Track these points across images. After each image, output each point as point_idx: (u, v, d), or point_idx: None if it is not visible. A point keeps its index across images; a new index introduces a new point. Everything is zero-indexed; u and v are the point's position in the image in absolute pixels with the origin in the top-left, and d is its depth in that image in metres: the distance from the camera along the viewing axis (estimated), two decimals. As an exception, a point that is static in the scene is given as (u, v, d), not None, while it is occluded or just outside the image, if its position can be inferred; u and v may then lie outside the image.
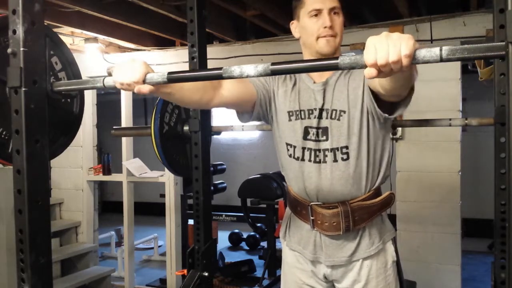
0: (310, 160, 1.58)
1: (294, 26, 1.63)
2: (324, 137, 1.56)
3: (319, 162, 1.56)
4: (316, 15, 1.53)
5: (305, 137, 1.59)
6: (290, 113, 1.62)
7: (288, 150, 1.63)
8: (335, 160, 1.55)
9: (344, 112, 1.53)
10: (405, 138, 3.45)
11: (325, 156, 1.56)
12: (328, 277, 1.64)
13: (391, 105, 1.43)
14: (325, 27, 1.51)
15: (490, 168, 2.01)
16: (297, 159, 1.60)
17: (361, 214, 1.57)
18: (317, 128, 1.57)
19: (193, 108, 2.20)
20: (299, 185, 1.62)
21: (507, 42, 0.90)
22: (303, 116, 1.59)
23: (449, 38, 3.27)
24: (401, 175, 3.47)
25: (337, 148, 1.54)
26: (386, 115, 1.45)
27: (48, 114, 1.32)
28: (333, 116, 1.55)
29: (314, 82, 1.59)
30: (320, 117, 1.56)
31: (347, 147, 1.54)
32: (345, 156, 1.54)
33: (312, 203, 1.60)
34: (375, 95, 1.45)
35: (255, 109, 1.63)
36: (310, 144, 1.58)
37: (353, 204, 1.56)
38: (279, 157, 1.70)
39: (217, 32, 3.83)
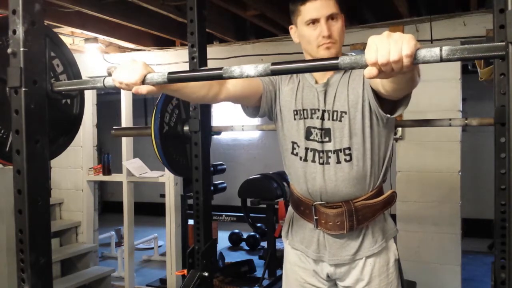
0: (313, 161, 1.58)
1: (293, 32, 1.61)
2: (327, 139, 1.56)
3: (323, 163, 1.56)
4: (313, 23, 1.50)
5: (307, 137, 1.59)
6: (295, 112, 1.62)
7: (293, 148, 1.63)
8: (339, 162, 1.55)
9: (345, 113, 1.53)
10: (405, 138, 3.45)
11: (328, 157, 1.56)
12: (331, 276, 1.64)
13: (391, 104, 1.43)
14: (324, 37, 1.49)
15: (490, 168, 2.01)
16: (301, 159, 1.61)
17: (365, 213, 1.57)
18: (321, 129, 1.56)
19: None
20: (301, 185, 1.62)
21: (507, 42, 0.90)
22: (305, 116, 1.59)
23: (449, 38, 3.27)
24: (401, 175, 3.46)
25: (340, 150, 1.54)
26: (388, 115, 1.45)
27: (48, 114, 1.32)
28: (334, 118, 1.55)
29: (316, 82, 1.59)
30: (322, 118, 1.56)
31: (349, 148, 1.54)
32: (348, 158, 1.54)
33: (315, 203, 1.60)
34: (376, 94, 1.44)
35: (261, 105, 1.63)
36: (314, 145, 1.58)
37: (357, 203, 1.57)
38: (283, 156, 1.70)
39: (217, 32, 3.82)
